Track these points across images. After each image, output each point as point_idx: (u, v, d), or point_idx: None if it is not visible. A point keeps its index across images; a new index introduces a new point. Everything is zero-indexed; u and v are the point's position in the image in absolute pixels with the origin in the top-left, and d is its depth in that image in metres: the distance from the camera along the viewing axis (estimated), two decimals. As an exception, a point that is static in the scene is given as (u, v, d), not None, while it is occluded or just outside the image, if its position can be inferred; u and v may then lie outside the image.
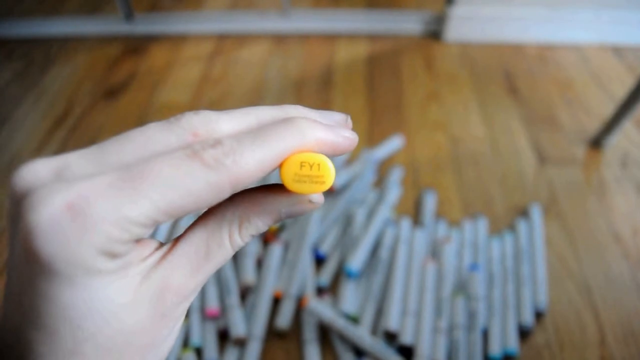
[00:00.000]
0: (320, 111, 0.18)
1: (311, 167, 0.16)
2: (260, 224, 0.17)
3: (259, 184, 0.18)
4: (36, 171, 0.14)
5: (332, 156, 0.17)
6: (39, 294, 0.13)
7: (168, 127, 0.15)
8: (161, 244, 0.16)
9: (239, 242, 0.17)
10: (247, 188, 0.16)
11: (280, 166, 0.16)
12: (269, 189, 0.17)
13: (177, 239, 0.16)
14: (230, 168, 0.14)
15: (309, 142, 0.16)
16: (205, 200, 0.14)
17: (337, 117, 0.18)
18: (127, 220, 0.13)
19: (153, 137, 0.15)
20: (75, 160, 0.14)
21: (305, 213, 0.18)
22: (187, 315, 0.63)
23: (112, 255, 0.13)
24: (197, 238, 0.16)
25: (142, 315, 0.15)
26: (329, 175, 0.16)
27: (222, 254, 0.16)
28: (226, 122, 0.16)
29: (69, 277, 0.13)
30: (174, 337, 0.16)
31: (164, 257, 0.15)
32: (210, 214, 0.16)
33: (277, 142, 0.15)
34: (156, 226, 0.14)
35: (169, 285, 0.15)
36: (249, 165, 0.14)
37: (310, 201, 0.17)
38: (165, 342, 0.16)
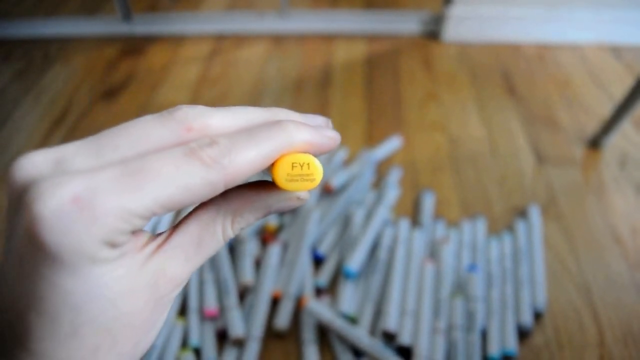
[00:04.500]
0: (304, 114, 0.19)
1: (301, 166, 0.17)
2: (251, 218, 0.18)
3: (248, 181, 0.19)
4: (35, 162, 0.15)
5: (317, 155, 0.18)
6: (42, 281, 0.14)
7: (162, 120, 0.16)
8: (153, 236, 0.17)
9: (230, 234, 0.18)
10: (238, 185, 0.17)
11: (272, 167, 0.17)
12: (260, 186, 0.18)
13: (172, 231, 0.17)
14: (226, 167, 0.15)
15: (297, 143, 0.17)
16: (201, 196, 0.15)
17: (319, 119, 0.20)
18: (129, 212, 0.14)
19: (148, 130, 0.16)
20: (73, 152, 0.15)
21: (293, 208, 0.19)
22: (186, 316, 0.63)
23: (113, 245, 0.14)
24: (191, 230, 0.17)
25: (138, 302, 0.15)
26: (318, 173, 0.17)
27: (214, 245, 0.17)
28: (219, 119, 0.16)
29: (73, 265, 0.13)
30: (162, 323, 0.17)
31: (159, 247, 0.16)
32: (204, 207, 0.18)
33: (268, 143, 0.16)
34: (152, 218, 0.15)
35: (164, 274, 0.16)
36: (243, 164, 0.15)
37: (298, 197, 0.19)
38: (155, 327, 0.17)
